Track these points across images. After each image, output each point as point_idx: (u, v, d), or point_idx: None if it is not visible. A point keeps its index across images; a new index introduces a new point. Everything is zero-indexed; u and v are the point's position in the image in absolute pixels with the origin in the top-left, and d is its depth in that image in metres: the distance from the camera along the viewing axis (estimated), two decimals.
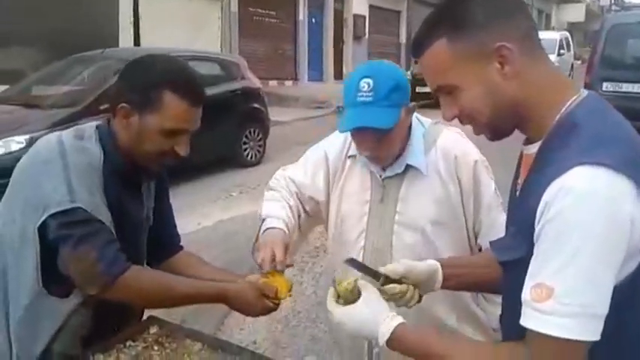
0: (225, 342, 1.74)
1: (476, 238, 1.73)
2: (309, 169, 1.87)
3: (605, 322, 0.99)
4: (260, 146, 8.84)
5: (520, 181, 1.19)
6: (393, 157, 1.71)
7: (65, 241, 1.44)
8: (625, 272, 1.01)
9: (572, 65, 23.08)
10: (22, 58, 10.42)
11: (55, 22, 10.70)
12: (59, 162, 1.48)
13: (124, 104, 1.54)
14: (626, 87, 9.32)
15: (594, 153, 0.98)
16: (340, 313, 1.28)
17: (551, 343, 0.98)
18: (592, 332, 0.97)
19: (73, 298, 1.54)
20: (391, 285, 1.40)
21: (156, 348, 1.61)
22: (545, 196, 1.00)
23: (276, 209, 1.78)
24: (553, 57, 20.43)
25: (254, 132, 8.71)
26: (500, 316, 1.30)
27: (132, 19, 10.94)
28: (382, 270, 1.42)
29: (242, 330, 3.86)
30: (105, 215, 1.50)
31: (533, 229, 1.03)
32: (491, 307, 1.73)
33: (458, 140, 1.75)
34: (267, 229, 1.72)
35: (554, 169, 1.00)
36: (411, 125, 1.73)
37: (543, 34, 24.26)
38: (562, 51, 21.38)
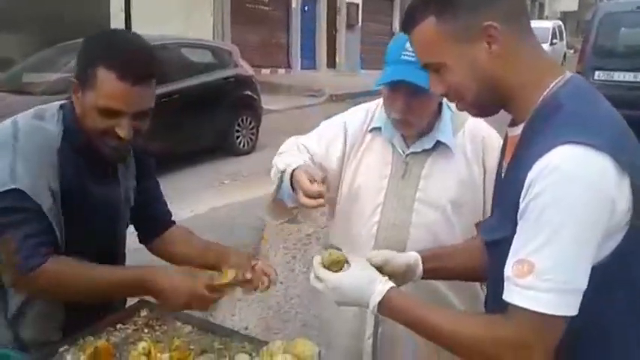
0: (215, 325, 1.75)
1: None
2: (323, 139, 1.81)
3: (592, 300, 1.02)
4: (252, 134, 8.82)
5: (505, 162, 1.21)
6: (420, 127, 1.69)
7: None
8: (606, 250, 1.03)
9: (564, 54, 23.11)
10: (12, 45, 10.32)
11: (45, 9, 10.60)
12: (9, 143, 1.45)
13: (73, 80, 1.51)
14: (618, 76, 9.34)
15: (578, 132, 1.00)
16: (334, 277, 1.29)
17: (530, 316, 1.01)
18: (570, 307, 1.00)
19: None
20: None
21: (146, 331, 1.62)
22: (530, 174, 1.01)
23: (295, 159, 1.66)
24: (546, 46, 20.43)
25: (246, 120, 8.69)
26: (485, 298, 1.32)
27: (123, 6, 10.84)
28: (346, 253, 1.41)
29: (233, 316, 3.88)
30: (46, 201, 1.45)
31: (518, 207, 1.05)
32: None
33: (486, 125, 1.74)
34: (294, 170, 1.59)
35: (539, 148, 1.02)
36: (441, 105, 1.71)
37: (536, 23, 24.19)
38: (555, 40, 21.42)
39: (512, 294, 1.04)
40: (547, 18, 33.96)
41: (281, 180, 1.64)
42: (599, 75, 9.49)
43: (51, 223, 1.47)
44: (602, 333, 1.10)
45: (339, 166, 1.79)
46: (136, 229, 1.86)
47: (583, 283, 1.00)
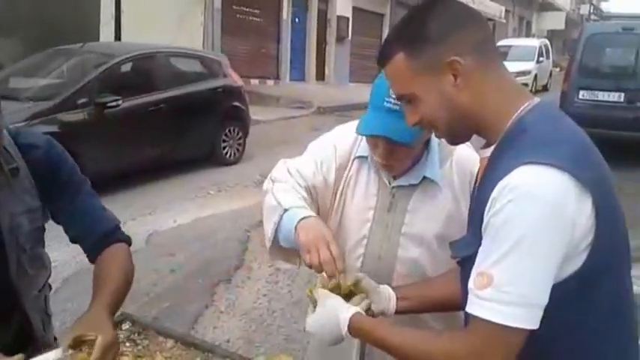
0: (198, 339, 1.74)
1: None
2: (318, 164, 1.72)
3: (557, 319, 1.07)
4: (240, 145, 8.80)
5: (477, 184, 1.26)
6: (404, 168, 1.65)
7: None
8: (570, 268, 1.06)
9: (550, 73, 23.38)
10: (0, 49, 10.26)
11: (35, 15, 10.54)
12: None
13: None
14: (602, 96, 9.47)
15: (539, 153, 1.04)
16: (309, 323, 1.39)
17: (488, 327, 1.04)
18: (528, 320, 1.03)
19: None
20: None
21: (128, 345, 1.61)
22: (493, 193, 1.06)
23: (296, 200, 1.59)
24: (532, 64, 20.68)
25: (234, 130, 8.67)
26: (465, 319, 1.34)
27: (114, 13, 10.83)
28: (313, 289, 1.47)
29: (215, 329, 3.86)
30: None
31: (482, 222, 1.09)
32: None
33: (473, 155, 1.64)
34: (303, 218, 1.52)
35: (502, 169, 1.06)
36: (430, 137, 1.64)
37: (523, 42, 24.59)
38: (541, 58, 21.66)
39: (472, 305, 1.07)
40: (534, 36, 34.40)
41: (279, 220, 1.58)
42: (583, 94, 9.61)
43: None
44: (575, 348, 1.13)
45: (332, 191, 1.73)
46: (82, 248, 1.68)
47: (542, 297, 1.03)
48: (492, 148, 1.18)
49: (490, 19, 31.36)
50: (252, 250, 5.19)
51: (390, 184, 1.67)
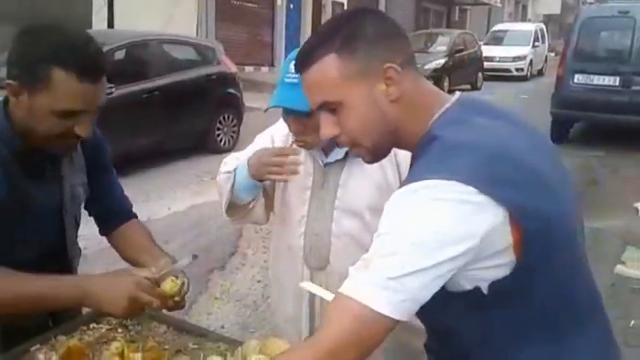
0: (190, 324, 1.75)
1: None
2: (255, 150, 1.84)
3: (481, 323, 1.07)
4: (234, 132, 8.79)
5: None
6: (323, 143, 1.70)
7: None
8: (504, 267, 1.03)
9: (546, 57, 23.34)
10: None
11: (26, 4, 10.45)
12: None
13: (11, 81, 1.39)
14: (597, 79, 9.45)
15: (443, 167, 1.00)
16: None
17: (350, 304, 0.99)
18: (394, 308, 0.98)
19: None
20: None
21: (120, 330, 1.62)
22: (392, 196, 1.05)
23: (241, 160, 1.77)
24: (527, 49, 20.62)
25: (228, 117, 8.65)
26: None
27: (106, 0, 10.75)
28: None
29: (210, 315, 3.87)
30: None
31: None
32: None
33: None
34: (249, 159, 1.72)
35: (409, 179, 1.04)
36: None
37: (518, 26, 24.53)
38: (537, 43, 21.60)
39: (343, 284, 1.03)
40: (530, 21, 34.30)
41: (234, 178, 1.74)
42: (579, 78, 9.59)
43: None
44: (495, 353, 1.12)
45: None
46: (96, 222, 1.83)
47: (420, 290, 0.98)
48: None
49: (486, 4, 31.29)
50: (246, 237, 5.19)
51: (322, 162, 1.76)
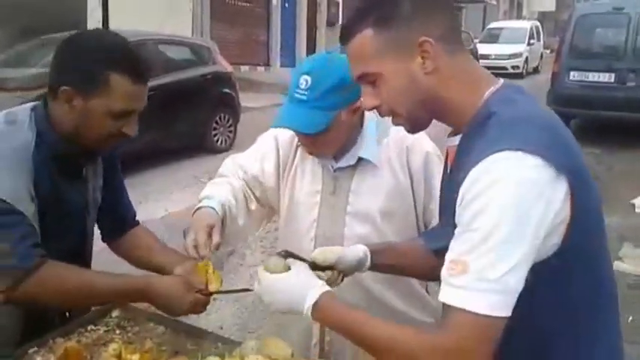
0: (189, 325, 1.74)
1: (425, 227, 1.74)
2: (258, 153, 1.84)
3: (541, 298, 1.06)
4: (230, 132, 8.79)
5: (447, 173, 1.24)
6: (332, 152, 1.70)
7: None
8: (550, 249, 1.05)
9: (541, 55, 23.38)
10: None
11: (21, 3, 10.43)
12: None
13: (65, 87, 1.47)
14: (592, 76, 9.48)
15: (509, 139, 1.02)
16: (270, 278, 1.28)
17: (465, 316, 1.00)
18: (504, 308, 1.00)
19: None
20: (318, 273, 1.39)
21: (117, 332, 1.62)
22: (465, 182, 1.03)
23: (214, 190, 1.73)
24: (523, 46, 20.65)
25: (224, 117, 8.65)
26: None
27: (100, 1, 10.72)
28: (312, 257, 1.42)
29: (208, 315, 3.85)
30: (27, 207, 1.44)
31: (456, 213, 1.07)
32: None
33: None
34: (197, 209, 1.67)
35: (474, 157, 1.04)
36: (363, 117, 1.71)
37: (514, 24, 24.56)
38: (532, 40, 21.63)
39: (445, 293, 1.04)
40: (525, 18, 34.34)
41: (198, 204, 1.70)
42: (574, 75, 9.62)
43: (35, 227, 1.45)
44: (534, 339, 1.12)
45: (275, 180, 1.81)
46: (99, 228, 1.84)
47: (517, 283, 1.00)
48: (459, 136, 1.16)
49: (481, 2, 31.31)
50: (242, 243, 5.18)
51: (332, 167, 1.73)
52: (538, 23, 24.20)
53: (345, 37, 1.19)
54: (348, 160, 1.71)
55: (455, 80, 1.14)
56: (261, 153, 1.83)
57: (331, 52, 1.69)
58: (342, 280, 1.48)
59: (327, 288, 1.25)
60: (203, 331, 1.68)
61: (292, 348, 1.44)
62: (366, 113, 1.71)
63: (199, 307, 1.56)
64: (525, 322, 1.05)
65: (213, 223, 1.59)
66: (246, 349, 1.44)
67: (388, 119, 1.23)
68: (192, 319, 3.53)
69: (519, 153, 1.00)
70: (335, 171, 1.73)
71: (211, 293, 1.58)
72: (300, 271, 1.30)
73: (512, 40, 20.57)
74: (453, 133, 1.20)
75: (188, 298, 1.52)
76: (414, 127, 1.23)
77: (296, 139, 1.78)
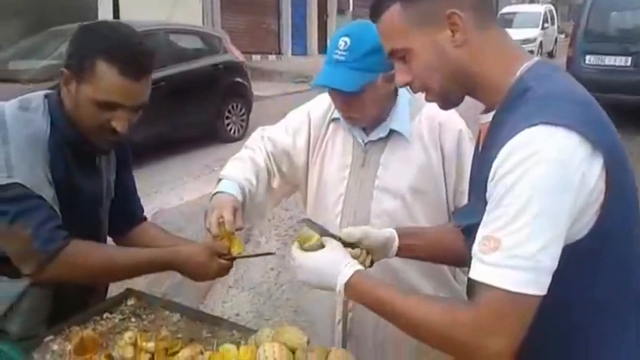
0: (204, 313, 1.74)
1: (455, 210, 1.71)
2: (290, 128, 1.83)
3: (571, 280, 1.02)
4: (243, 121, 8.78)
5: (479, 150, 1.21)
6: (369, 120, 1.70)
7: (0, 218, 1.41)
8: (583, 230, 1.02)
9: (555, 39, 23.08)
10: None
11: None
12: None
13: (64, 69, 1.50)
14: (609, 60, 9.34)
15: (545, 113, 0.99)
16: (304, 256, 1.31)
17: (496, 294, 0.98)
18: (537, 286, 0.97)
19: (25, 279, 1.50)
20: (347, 249, 1.40)
21: (133, 320, 1.61)
22: (499, 157, 1.01)
23: (235, 170, 1.74)
24: (537, 31, 20.41)
25: (237, 107, 8.64)
26: (467, 286, 1.31)
27: None
28: (337, 233, 1.42)
29: (225, 303, 3.88)
30: (46, 191, 1.45)
31: (487, 189, 1.04)
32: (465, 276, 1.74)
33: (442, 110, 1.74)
34: (216, 193, 1.68)
35: (508, 132, 1.01)
36: (397, 91, 1.72)
37: (527, 8, 24.27)
38: (546, 25, 21.36)
39: (477, 271, 1.02)
40: (538, 2, 33.90)
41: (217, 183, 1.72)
42: (590, 59, 9.49)
43: (56, 210, 1.47)
44: (557, 329, 1.09)
45: (305, 155, 1.82)
46: (108, 222, 1.83)
47: (552, 260, 0.98)
48: (492, 113, 1.13)
49: None
50: (258, 225, 5.18)
51: (363, 141, 1.73)
52: (552, 7, 23.87)
53: (375, 13, 1.19)
54: (380, 132, 1.71)
55: (487, 54, 1.12)
56: (293, 127, 1.83)
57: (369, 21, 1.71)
58: (371, 264, 1.46)
59: (360, 266, 1.25)
60: (218, 319, 1.67)
61: (307, 335, 1.43)
62: (400, 90, 1.71)
63: (224, 271, 1.60)
64: (549, 308, 1.01)
65: (237, 206, 1.62)
66: (262, 337, 1.43)
67: (421, 97, 1.23)
68: (209, 308, 3.56)
69: (555, 128, 0.97)
70: (366, 144, 1.74)
71: (235, 257, 1.60)
72: (333, 247, 1.30)
73: (525, 25, 20.31)
74: (486, 110, 1.17)
75: (213, 264, 1.56)
76: (446, 102, 1.21)
77: (329, 114, 1.80)
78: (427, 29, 1.12)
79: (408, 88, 1.22)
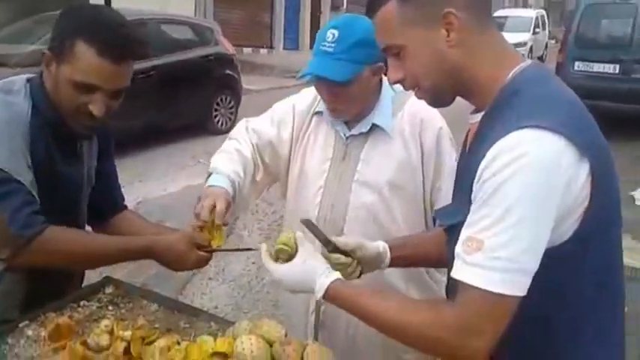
0: (182, 303, 1.74)
1: (431, 207, 1.74)
2: (275, 118, 1.85)
3: (552, 283, 1.04)
4: (231, 114, 8.75)
5: (466, 150, 1.21)
6: (352, 113, 1.72)
7: None
8: (565, 234, 1.03)
9: (546, 44, 23.23)
10: None
11: None
12: None
13: (46, 51, 1.48)
14: (597, 67, 9.41)
15: (533, 117, 1.00)
16: (279, 270, 1.31)
17: (477, 294, 1.00)
18: (517, 287, 0.99)
19: (0, 263, 1.49)
20: (337, 255, 1.43)
21: (110, 308, 1.61)
22: (485, 158, 1.01)
23: (223, 163, 1.74)
24: (527, 35, 20.52)
25: (226, 99, 8.62)
26: (446, 285, 1.32)
27: None
28: (334, 239, 1.44)
29: (204, 295, 3.87)
30: (25, 175, 1.44)
31: (472, 190, 1.05)
32: (442, 277, 1.76)
33: (426, 106, 1.74)
34: (210, 186, 1.68)
35: (495, 133, 1.02)
36: (381, 87, 1.74)
37: (519, 12, 24.35)
38: (537, 30, 21.48)
39: (459, 271, 1.03)
40: (531, 7, 34.08)
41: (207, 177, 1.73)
42: (579, 66, 9.55)
43: (34, 195, 1.45)
44: (537, 328, 1.10)
45: (288, 147, 1.84)
46: (87, 210, 1.81)
47: (533, 262, 0.99)
48: (481, 113, 1.14)
49: None
50: (242, 219, 5.18)
51: (344, 135, 1.76)
52: (544, 12, 24.01)
53: (371, 9, 1.22)
54: (362, 127, 1.73)
55: (480, 55, 1.12)
56: (278, 119, 1.85)
57: (357, 15, 1.71)
58: (359, 275, 1.48)
59: (335, 274, 1.26)
60: (196, 310, 1.67)
61: (285, 329, 1.43)
62: (384, 87, 1.74)
63: (202, 263, 1.59)
64: (529, 309, 1.03)
65: (230, 200, 1.63)
66: (240, 329, 1.43)
67: (404, 94, 1.23)
68: (187, 299, 3.55)
69: (543, 131, 0.98)
70: (347, 138, 1.76)
71: (214, 250, 1.59)
72: (305, 256, 1.31)
73: (516, 29, 20.37)
74: (476, 111, 1.18)
75: (192, 255, 1.55)
76: (436, 101, 1.22)
77: (313, 108, 1.82)
78: (422, 27, 1.12)
79: (398, 86, 1.22)
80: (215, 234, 1.59)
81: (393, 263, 1.51)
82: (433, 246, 1.46)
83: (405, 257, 1.51)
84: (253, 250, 1.59)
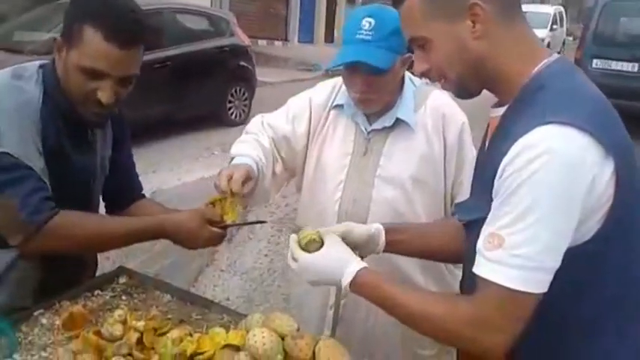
0: (195, 295, 1.74)
1: (452, 201, 1.74)
2: (290, 114, 1.83)
3: (573, 283, 1.03)
4: (245, 106, 8.74)
5: (486, 144, 1.20)
6: (381, 104, 1.70)
7: None
8: (588, 233, 1.02)
9: (563, 41, 22.98)
10: (4, 1, 10.13)
11: None
12: None
13: (58, 37, 1.48)
14: (615, 65, 9.32)
15: (559, 112, 0.98)
16: (308, 258, 1.30)
17: (496, 290, 1.00)
18: (537, 284, 0.99)
19: (13, 250, 1.48)
20: None
21: (124, 298, 1.61)
22: (509, 154, 1.00)
23: (245, 149, 1.72)
24: (545, 32, 20.29)
25: (240, 91, 8.60)
26: (461, 281, 1.31)
27: None
28: (322, 230, 1.41)
29: (215, 287, 3.88)
30: (36, 162, 1.43)
31: (493, 186, 1.04)
32: (459, 271, 1.75)
33: (448, 101, 1.74)
34: (233, 165, 1.65)
35: (519, 128, 1.00)
36: (404, 80, 1.73)
37: (536, 8, 24.04)
38: (555, 26, 21.24)
39: (480, 266, 1.03)
40: (549, 3, 33.70)
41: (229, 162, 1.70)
42: (597, 63, 9.46)
43: (45, 181, 1.45)
44: (553, 328, 1.09)
45: (304, 142, 1.82)
46: (104, 199, 1.83)
47: (554, 261, 0.99)
48: (504, 108, 1.12)
49: None
50: (254, 211, 5.18)
51: (366, 130, 1.74)
52: (562, 9, 23.75)
53: (398, 1, 1.18)
54: (384, 121, 1.72)
55: (506, 48, 1.11)
56: (293, 114, 1.83)
57: (382, 5, 1.70)
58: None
59: (363, 263, 1.26)
60: (209, 302, 1.67)
61: (297, 323, 1.43)
62: (406, 81, 1.73)
63: (216, 239, 1.56)
64: (547, 306, 1.02)
65: (252, 174, 1.59)
66: (252, 322, 1.43)
67: (426, 89, 1.21)
68: (199, 291, 3.56)
69: (568, 128, 0.96)
70: (369, 133, 1.74)
71: (227, 225, 1.56)
72: (333, 245, 1.31)
73: (534, 25, 19.37)
74: (498, 104, 1.16)
75: (204, 231, 1.53)
76: (461, 92, 1.20)
77: (331, 101, 1.79)
78: (448, 19, 1.10)
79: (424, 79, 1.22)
80: (228, 209, 1.56)
81: (391, 247, 1.49)
82: (440, 237, 1.46)
83: (402, 242, 1.49)
84: (264, 222, 1.61)
